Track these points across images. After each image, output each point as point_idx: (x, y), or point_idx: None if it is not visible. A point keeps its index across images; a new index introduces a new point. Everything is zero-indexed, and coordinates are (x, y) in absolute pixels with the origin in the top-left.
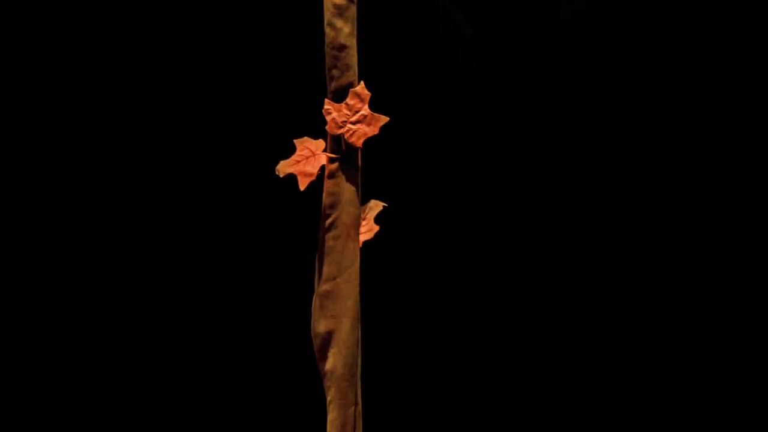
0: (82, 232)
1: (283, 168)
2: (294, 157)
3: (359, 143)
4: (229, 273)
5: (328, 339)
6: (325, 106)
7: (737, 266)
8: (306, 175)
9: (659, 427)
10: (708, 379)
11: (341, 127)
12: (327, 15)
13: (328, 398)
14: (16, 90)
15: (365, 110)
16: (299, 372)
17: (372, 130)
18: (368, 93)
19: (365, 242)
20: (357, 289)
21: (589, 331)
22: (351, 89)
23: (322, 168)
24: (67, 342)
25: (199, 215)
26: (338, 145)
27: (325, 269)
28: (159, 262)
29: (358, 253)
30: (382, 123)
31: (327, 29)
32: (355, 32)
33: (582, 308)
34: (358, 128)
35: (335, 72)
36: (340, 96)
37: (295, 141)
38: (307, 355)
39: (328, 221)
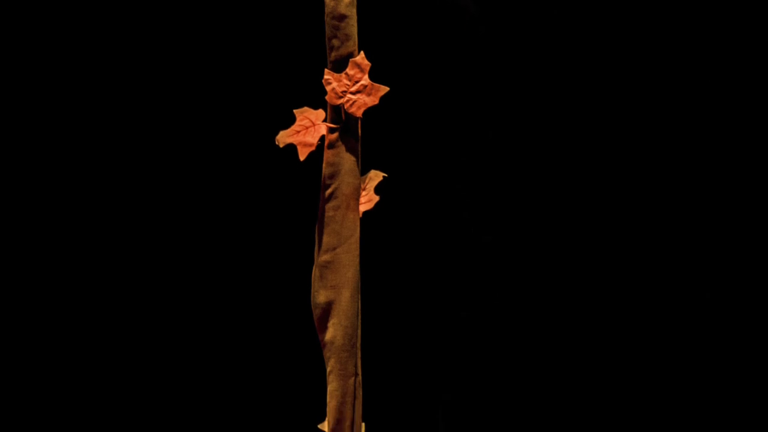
0: (70, 225)
1: (283, 138)
2: (294, 127)
3: (359, 113)
4: (228, 245)
5: (327, 310)
6: (325, 76)
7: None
8: (306, 145)
9: (653, 427)
10: (705, 379)
11: (341, 97)
12: None
13: (328, 369)
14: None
15: (365, 80)
16: (299, 343)
17: (372, 100)
18: (368, 63)
19: (365, 212)
20: (357, 260)
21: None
22: (351, 59)
23: (322, 138)
24: (58, 335)
25: (198, 185)
26: (338, 115)
27: (325, 240)
28: (159, 231)
29: (358, 223)
30: (382, 93)
31: None
32: (355, 2)
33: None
34: (358, 98)
35: (335, 42)
36: (340, 66)
37: (294, 111)
38: (307, 326)
39: (328, 191)
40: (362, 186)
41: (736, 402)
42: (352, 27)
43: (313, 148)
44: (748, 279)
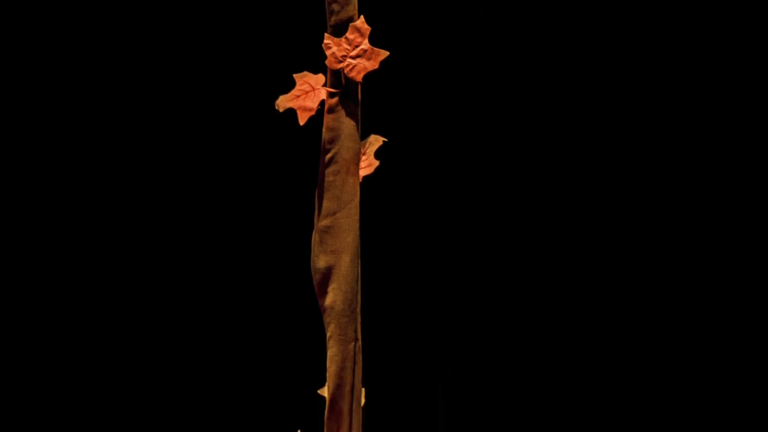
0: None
1: (283, 103)
2: (294, 92)
3: (359, 78)
4: (228, 210)
5: (327, 274)
6: (325, 41)
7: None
8: (306, 109)
9: (648, 406)
10: (700, 380)
11: (341, 62)
12: None
13: (328, 334)
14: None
15: (365, 45)
16: (299, 308)
17: (372, 65)
18: (368, 27)
19: (365, 177)
20: (357, 225)
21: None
22: (351, 23)
23: (322, 103)
24: (57, 333)
25: (198, 151)
26: (338, 80)
27: (325, 204)
28: (159, 197)
29: (358, 188)
30: (382, 57)
31: None
32: None
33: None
34: (358, 63)
35: (335, 6)
36: (340, 30)
37: (294, 76)
38: (307, 291)
39: (328, 156)
40: (362, 151)
41: (735, 401)
42: None
43: (313, 113)
44: (747, 278)
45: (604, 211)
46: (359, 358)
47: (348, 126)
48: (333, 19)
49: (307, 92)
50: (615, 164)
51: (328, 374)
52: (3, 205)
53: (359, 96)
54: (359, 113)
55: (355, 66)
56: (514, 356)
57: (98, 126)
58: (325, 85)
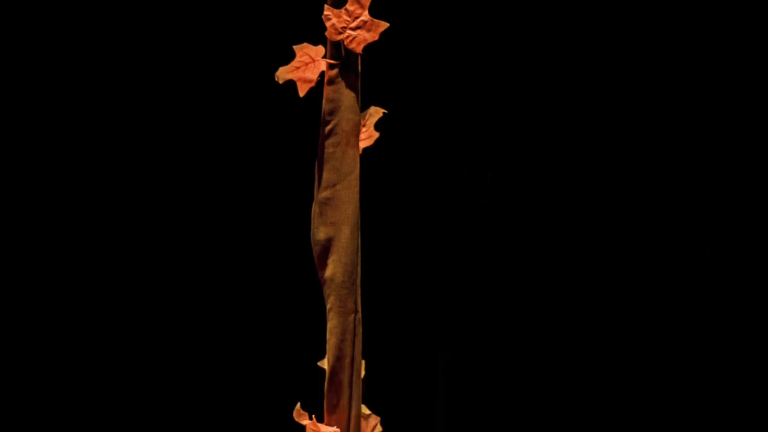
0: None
1: (283, 74)
2: (293, 63)
3: (359, 49)
4: (228, 182)
5: (327, 246)
6: (325, 12)
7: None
8: (305, 81)
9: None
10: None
11: (341, 33)
12: None
13: (328, 306)
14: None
15: (365, 16)
16: (299, 280)
17: (372, 36)
18: None
19: (365, 149)
20: (357, 196)
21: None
22: None
23: (322, 74)
24: (57, 334)
25: (197, 123)
26: (338, 51)
27: (325, 176)
28: (158, 170)
29: (358, 159)
30: (382, 29)
31: None
32: None
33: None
34: (358, 34)
35: None
36: (339, 1)
37: (294, 47)
38: (307, 263)
39: (328, 128)
40: (362, 122)
41: (734, 400)
42: None
43: (313, 84)
44: (746, 277)
45: (604, 192)
46: (359, 330)
47: (348, 98)
48: None
49: (306, 64)
50: (617, 144)
51: (327, 346)
52: (3, 205)
53: (359, 68)
54: (359, 85)
55: (355, 37)
56: (513, 331)
57: (83, 111)
58: (325, 56)
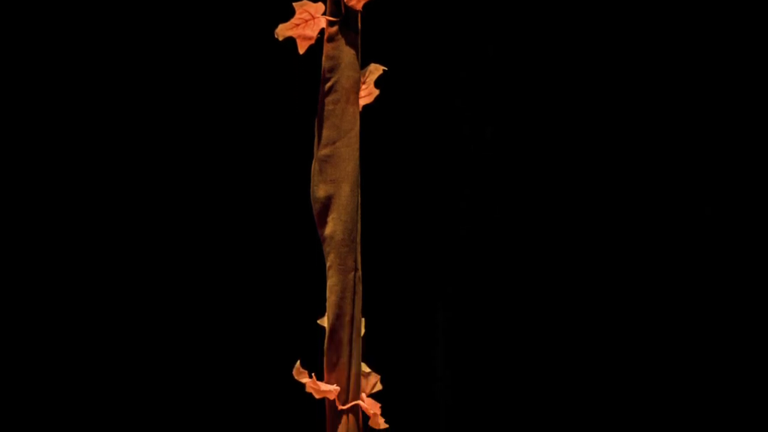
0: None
1: (282, 31)
2: (293, 21)
3: (359, 6)
4: (227, 140)
5: (327, 204)
6: None
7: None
8: (305, 38)
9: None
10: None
11: None
12: None
13: (328, 263)
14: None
15: None
16: (298, 237)
17: None
18: None
19: (365, 106)
20: (357, 154)
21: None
22: None
23: (322, 31)
24: (58, 334)
25: (196, 77)
26: (338, 8)
27: (325, 133)
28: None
29: (358, 117)
30: None
31: None
32: None
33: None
34: None
35: None
36: None
37: (294, 4)
38: (307, 221)
39: (328, 85)
40: (362, 79)
41: (735, 400)
42: None
43: (313, 42)
44: (746, 276)
45: (605, 149)
46: (359, 288)
47: (348, 55)
48: None
49: (306, 21)
50: (619, 100)
51: (327, 304)
52: (3, 205)
53: (359, 25)
54: (359, 42)
55: None
56: (512, 287)
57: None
58: (324, 13)
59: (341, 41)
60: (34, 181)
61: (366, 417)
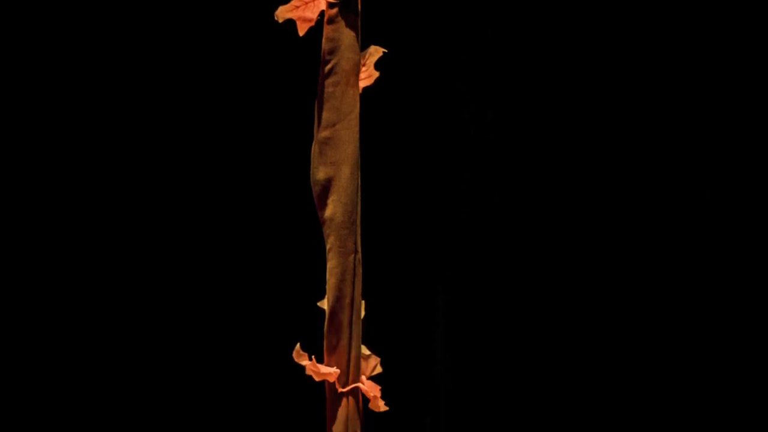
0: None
1: (282, 13)
2: (293, 2)
3: None
4: (227, 122)
5: (327, 186)
6: None
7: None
8: (305, 20)
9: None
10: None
11: None
12: None
13: (328, 246)
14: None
15: None
16: (298, 220)
17: None
18: None
19: (365, 88)
20: (357, 136)
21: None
22: None
23: (322, 13)
24: (59, 334)
25: (198, 61)
26: None
27: (325, 116)
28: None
29: (358, 99)
30: None
31: None
32: None
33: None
34: None
35: None
36: None
37: None
38: (307, 203)
39: (328, 67)
40: (362, 62)
41: (734, 399)
42: None
43: (313, 24)
44: (745, 277)
45: (605, 131)
46: (359, 270)
47: (348, 37)
48: None
49: (306, 3)
50: (619, 84)
51: (327, 286)
52: (3, 205)
53: (359, 7)
54: (359, 24)
55: None
56: (513, 270)
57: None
58: None
59: (341, 23)
60: (35, 181)
61: (366, 399)
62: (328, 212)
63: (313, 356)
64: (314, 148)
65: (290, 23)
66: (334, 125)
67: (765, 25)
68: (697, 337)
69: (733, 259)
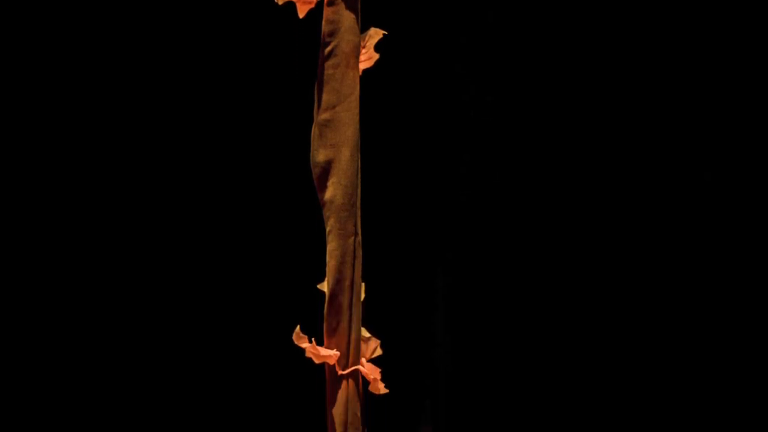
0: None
1: None
2: None
3: None
4: (227, 104)
5: (327, 168)
6: None
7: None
8: (305, 2)
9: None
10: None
11: None
12: None
13: (328, 228)
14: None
15: None
16: (298, 202)
17: None
18: None
19: (365, 70)
20: (357, 118)
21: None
22: None
23: None
24: (59, 333)
25: (197, 44)
26: None
27: (325, 98)
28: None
29: (358, 81)
30: None
31: None
32: None
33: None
34: None
35: None
36: None
37: None
38: (307, 186)
39: (328, 49)
40: (362, 44)
41: (733, 400)
42: None
43: (313, 6)
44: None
45: (604, 115)
46: (359, 252)
47: (348, 19)
48: None
49: None
50: (619, 69)
51: (327, 269)
52: (4, 205)
53: None
54: (359, 6)
55: None
56: (512, 253)
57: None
58: None
59: (341, 5)
60: (35, 181)
61: (366, 382)
62: (328, 194)
63: (312, 339)
64: (314, 131)
65: (290, 5)
66: (334, 107)
67: (764, 25)
68: (694, 325)
69: (731, 256)
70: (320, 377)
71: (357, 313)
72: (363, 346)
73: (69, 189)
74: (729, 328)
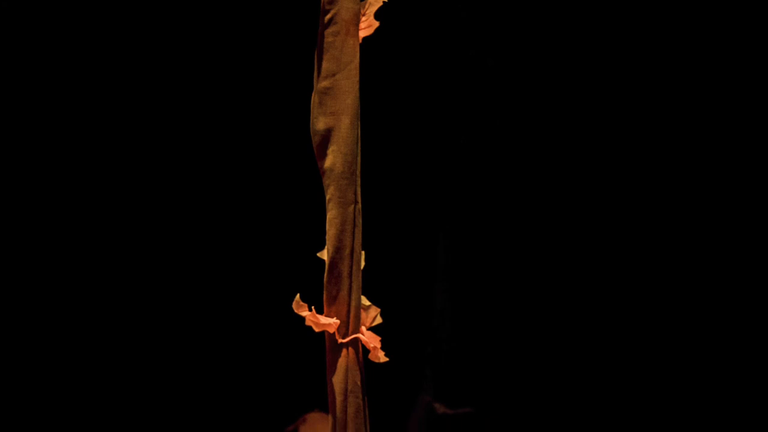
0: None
1: None
2: None
3: None
4: (227, 73)
5: (327, 136)
6: None
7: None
8: None
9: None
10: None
11: None
12: None
13: (327, 196)
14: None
15: None
16: (297, 170)
17: None
18: None
19: (365, 38)
20: (357, 86)
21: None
22: None
23: None
24: (59, 333)
25: (197, 20)
26: None
27: (324, 66)
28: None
29: (358, 49)
30: None
31: None
32: None
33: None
34: None
35: None
36: None
37: None
38: (307, 154)
39: (327, 17)
40: (362, 11)
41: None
42: None
43: None
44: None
45: (603, 76)
46: (359, 221)
47: None
48: None
49: None
50: (620, 33)
51: (327, 237)
52: (4, 205)
53: None
54: None
55: None
56: (512, 220)
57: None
58: None
59: None
60: (35, 181)
61: (366, 350)
62: (328, 162)
63: (312, 307)
64: (314, 98)
65: None
66: (333, 75)
67: (764, 24)
68: (693, 322)
69: (730, 256)
70: (320, 346)
71: (357, 281)
72: (363, 314)
73: (66, 186)
74: (729, 328)
